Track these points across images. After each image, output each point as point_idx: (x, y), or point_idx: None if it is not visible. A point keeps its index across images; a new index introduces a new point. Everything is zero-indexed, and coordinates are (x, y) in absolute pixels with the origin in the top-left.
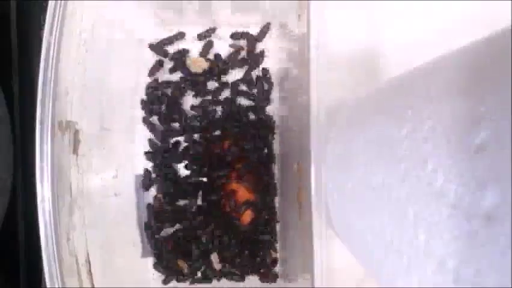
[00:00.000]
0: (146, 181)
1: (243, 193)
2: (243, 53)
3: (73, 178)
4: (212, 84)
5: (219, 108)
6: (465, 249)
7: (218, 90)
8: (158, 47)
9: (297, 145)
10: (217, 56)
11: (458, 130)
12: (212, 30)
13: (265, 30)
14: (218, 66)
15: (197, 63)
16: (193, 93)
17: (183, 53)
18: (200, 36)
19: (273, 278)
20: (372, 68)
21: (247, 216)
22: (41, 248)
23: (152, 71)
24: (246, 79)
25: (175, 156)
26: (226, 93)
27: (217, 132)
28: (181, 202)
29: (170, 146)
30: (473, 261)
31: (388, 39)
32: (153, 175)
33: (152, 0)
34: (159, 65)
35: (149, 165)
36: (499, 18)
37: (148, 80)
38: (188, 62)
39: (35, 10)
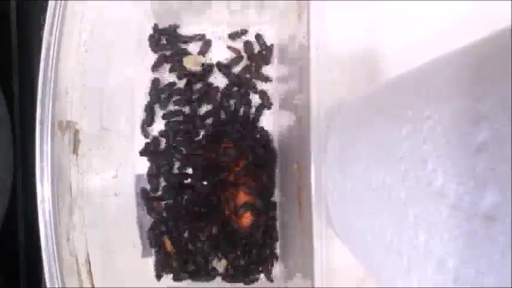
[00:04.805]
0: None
1: (241, 195)
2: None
3: (73, 178)
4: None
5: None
6: (465, 249)
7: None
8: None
9: (297, 145)
10: (219, 64)
11: (458, 130)
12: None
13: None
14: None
15: (192, 61)
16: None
17: (182, 52)
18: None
19: (273, 277)
20: (372, 68)
21: (246, 219)
22: (41, 248)
23: (157, 65)
24: (246, 79)
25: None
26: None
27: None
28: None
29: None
30: (473, 261)
31: (388, 39)
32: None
33: (152, 0)
34: (164, 59)
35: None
36: (499, 18)
37: (148, 77)
38: (184, 61)
39: (35, 10)
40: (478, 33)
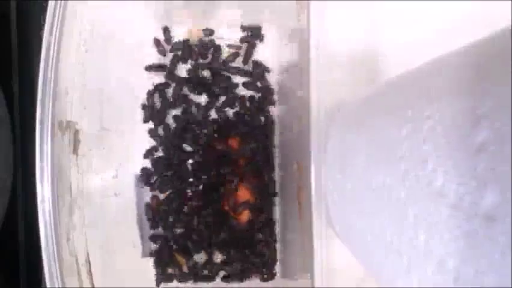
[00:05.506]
0: (144, 178)
1: (243, 193)
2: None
3: (73, 178)
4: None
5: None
6: (465, 249)
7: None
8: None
9: (297, 145)
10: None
11: (458, 130)
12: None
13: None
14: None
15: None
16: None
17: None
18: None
19: (273, 277)
20: (372, 68)
21: (244, 215)
22: (41, 248)
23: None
24: (246, 78)
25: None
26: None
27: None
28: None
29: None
30: (473, 261)
31: (388, 39)
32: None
33: (153, 0)
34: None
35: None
36: (499, 18)
37: (149, 77)
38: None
39: (35, 10)
40: (478, 33)
